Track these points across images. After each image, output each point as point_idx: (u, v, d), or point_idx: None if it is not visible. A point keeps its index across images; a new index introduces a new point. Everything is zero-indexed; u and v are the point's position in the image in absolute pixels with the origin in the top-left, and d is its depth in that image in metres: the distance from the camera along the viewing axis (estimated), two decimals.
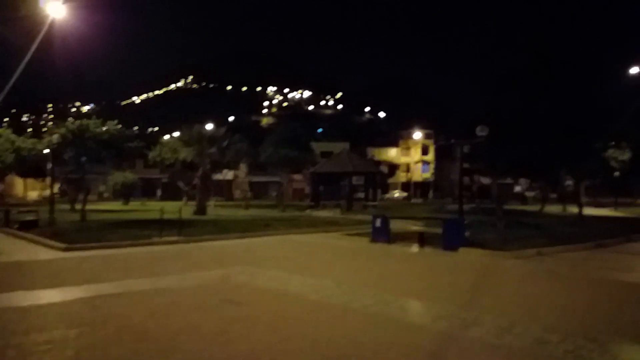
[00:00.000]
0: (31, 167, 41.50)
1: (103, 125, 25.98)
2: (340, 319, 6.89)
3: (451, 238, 15.12)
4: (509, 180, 55.80)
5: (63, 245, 14.93)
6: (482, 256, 13.79)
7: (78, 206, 28.76)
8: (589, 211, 26.68)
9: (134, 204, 47.38)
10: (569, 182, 50.20)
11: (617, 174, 40.70)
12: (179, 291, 8.72)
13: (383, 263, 12.73)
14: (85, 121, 26.04)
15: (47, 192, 38.89)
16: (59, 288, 8.99)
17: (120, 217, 28.47)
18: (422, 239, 16.64)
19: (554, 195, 48.63)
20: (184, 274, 10.48)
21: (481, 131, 18.06)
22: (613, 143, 32.17)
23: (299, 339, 5.99)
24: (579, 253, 14.69)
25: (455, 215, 23.14)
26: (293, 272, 10.81)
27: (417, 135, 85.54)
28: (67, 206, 33.78)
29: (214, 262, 12.41)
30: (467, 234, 15.67)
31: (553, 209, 39.63)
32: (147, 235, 17.38)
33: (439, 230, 16.36)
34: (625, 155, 35.33)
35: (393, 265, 12.40)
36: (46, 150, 30.24)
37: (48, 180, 36.13)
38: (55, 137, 24.71)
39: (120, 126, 27.94)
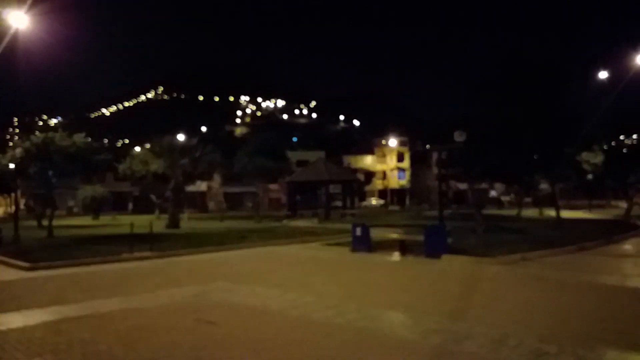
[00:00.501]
0: None
1: (69, 137, 24.94)
2: (325, 337, 6.41)
3: (433, 245, 14.80)
4: (484, 185, 56.33)
5: (27, 265, 14.07)
6: (466, 263, 13.49)
7: (45, 222, 27.64)
8: (564, 214, 26.82)
9: (104, 219, 46.00)
10: (544, 186, 51.00)
11: (589, 177, 41.43)
12: (150, 311, 8.11)
13: (365, 273, 12.30)
14: (50, 134, 25.00)
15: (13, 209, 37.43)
16: (21, 311, 8.29)
17: (90, 232, 27.48)
18: (404, 247, 16.31)
19: (528, 199, 49.11)
20: (155, 292, 9.85)
21: (459, 137, 17.90)
22: (586, 147, 32.77)
23: None
24: (562, 257, 14.52)
25: (434, 222, 22.93)
26: (272, 286, 10.29)
27: (393, 142, 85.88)
28: (34, 223, 32.50)
29: (188, 278, 11.79)
30: (449, 240, 15.39)
31: (529, 212, 39.93)
32: (117, 252, 16.59)
33: (420, 238, 16.05)
34: (597, 159, 35.96)
35: (376, 276, 11.98)
36: (12, 165, 29.06)
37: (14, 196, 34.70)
38: (18, 152, 23.66)
39: (88, 139, 26.97)
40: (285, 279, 11.56)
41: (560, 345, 5.83)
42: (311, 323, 7.13)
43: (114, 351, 5.91)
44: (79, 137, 26.01)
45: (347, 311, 7.79)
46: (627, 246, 17.38)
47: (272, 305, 8.35)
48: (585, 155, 35.61)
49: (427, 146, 29.40)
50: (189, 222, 38.15)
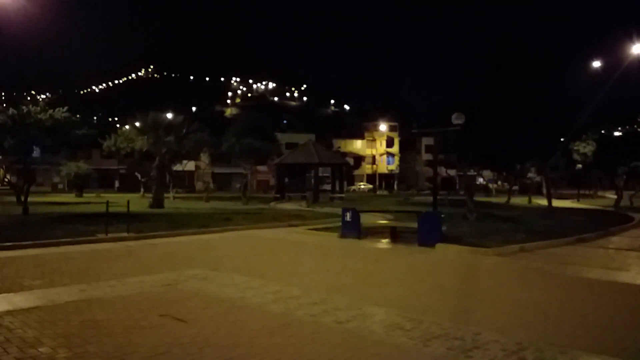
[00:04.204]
0: None
1: (46, 111, 23.66)
2: (310, 342, 5.50)
3: (427, 233, 13.96)
4: (471, 172, 55.98)
5: None
6: (462, 253, 12.66)
7: (31, 198, 26.42)
8: (553, 203, 26.20)
9: (88, 196, 44.77)
10: (532, 175, 50.61)
11: (579, 166, 41.04)
12: (112, 304, 7.14)
13: (355, 262, 11.41)
14: (26, 107, 23.71)
15: None
16: None
17: (69, 210, 26.39)
18: (395, 234, 15.51)
19: (515, 187, 48.72)
20: (123, 280, 8.88)
21: (457, 119, 16.94)
22: (577, 136, 32.27)
23: None
24: (561, 248, 13.75)
25: (423, 208, 22.17)
26: (253, 275, 9.36)
27: (382, 127, 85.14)
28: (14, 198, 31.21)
29: (163, 264, 10.82)
30: (443, 228, 14.56)
31: (518, 200, 39.46)
32: (92, 232, 15.60)
33: (411, 224, 15.26)
34: (587, 149, 35.50)
35: (367, 265, 11.10)
36: None
37: None
38: None
39: (67, 113, 25.66)
40: (269, 266, 10.64)
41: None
42: (295, 322, 6.22)
43: (57, 356, 4.95)
44: (60, 111, 24.77)
45: (335, 308, 6.88)
46: (627, 238, 16.68)
47: (251, 299, 7.42)
48: (577, 145, 35.23)
49: (414, 129, 28.47)
50: (174, 202, 37.12)
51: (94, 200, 35.45)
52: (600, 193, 53.36)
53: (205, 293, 7.86)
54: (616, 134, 54.82)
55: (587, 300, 7.73)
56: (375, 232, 16.41)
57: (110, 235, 15.01)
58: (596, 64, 39.56)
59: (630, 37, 36.69)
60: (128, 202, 16.74)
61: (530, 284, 9.05)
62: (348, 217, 15.87)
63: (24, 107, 23.86)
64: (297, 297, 7.56)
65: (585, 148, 35.72)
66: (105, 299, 7.43)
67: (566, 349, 5.27)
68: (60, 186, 64.54)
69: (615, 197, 35.39)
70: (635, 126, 61.33)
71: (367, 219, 17.22)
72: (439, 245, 13.46)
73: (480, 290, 8.53)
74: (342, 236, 15.71)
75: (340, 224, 16.34)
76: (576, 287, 8.82)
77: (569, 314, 6.82)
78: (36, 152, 28.99)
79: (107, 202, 15.65)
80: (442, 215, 15.25)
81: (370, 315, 6.60)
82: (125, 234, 15.36)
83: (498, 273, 10.29)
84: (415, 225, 14.60)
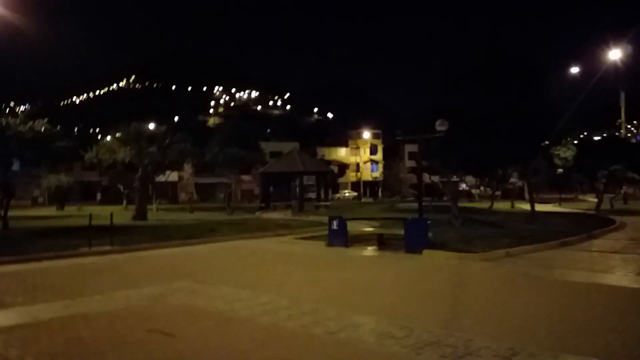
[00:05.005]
0: None
1: (25, 123, 23.29)
2: (302, 353, 5.44)
3: (414, 240, 13.98)
4: (454, 178, 56.52)
5: None
6: (449, 259, 12.70)
7: (11, 212, 25.90)
8: (536, 207, 26.48)
9: (69, 209, 44.08)
10: (514, 180, 51.23)
11: (560, 170, 41.63)
12: (97, 319, 6.99)
13: (344, 271, 11.36)
14: (4, 119, 23.33)
15: None
16: None
17: (50, 224, 25.94)
18: (382, 241, 15.50)
19: (498, 193, 49.22)
20: (109, 294, 8.72)
21: (441, 125, 17.06)
22: (557, 141, 32.76)
23: None
24: (546, 252, 13.87)
25: (407, 214, 22.23)
26: (241, 286, 9.26)
27: (366, 134, 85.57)
28: None
29: (149, 277, 10.65)
30: (430, 234, 14.60)
31: (500, 205, 39.84)
32: (75, 245, 15.32)
33: (397, 231, 15.31)
34: (568, 153, 36.03)
35: (355, 274, 11.06)
36: None
37: None
38: None
39: (47, 125, 25.30)
40: (257, 277, 10.54)
41: None
42: (285, 334, 6.14)
43: None
44: (40, 123, 24.42)
45: (326, 318, 6.82)
46: (609, 241, 16.88)
47: (240, 311, 7.33)
48: (558, 149, 35.74)
49: (398, 137, 28.60)
50: (157, 213, 36.73)
51: (76, 214, 34.93)
52: (581, 196, 54.10)
53: (193, 306, 7.74)
54: (596, 138, 55.85)
55: (575, 304, 7.78)
56: (362, 240, 16.38)
57: (93, 248, 14.77)
58: (574, 69, 40.35)
59: (606, 44, 37.41)
60: (111, 214, 16.49)
61: (519, 288, 9.10)
62: (335, 225, 15.83)
63: (3, 120, 23.48)
64: (286, 308, 7.48)
65: (565, 152, 36.25)
66: (91, 314, 7.28)
67: (558, 352, 5.28)
68: (40, 200, 63.51)
69: (596, 200, 35.90)
70: (614, 130, 62.51)
71: (353, 227, 17.20)
72: (425, 252, 13.49)
73: (470, 296, 8.54)
74: (330, 245, 15.66)
75: (326, 232, 16.29)
76: (563, 290, 8.88)
77: (558, 318, 6.85)
78: (16, 165, 28.53)
79: (90, 215, 15.40)
80: (428, 222, 15.29)
81: (361, 324, 6.55)
82: (109, 247, 15.12)
83: (486, 278, 10.33)
84: (401, 232, 14.61)
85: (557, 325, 6.49)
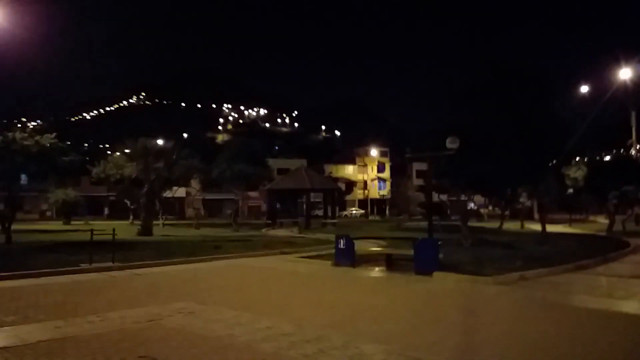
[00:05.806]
0: None
1: (32, 137, 23.19)
2: None
3: (424, 261, 13.48)
4: (463, 197, 56.02)
5: None
6: (461, 282, 12.18)
7: (18, 226, 25.74)
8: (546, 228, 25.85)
9: (76, 224, 43.91)
10: (523, 200, 50.53)
11: (570, 191, 40.96)
12: (88, 342, 6.57)
13: (351, 294, 10.88)
14: (11, 134, 23.24)
15: None
16: None
17: (54, 238, 25.69)
18: (390, 262, 15.01)
19: (507, 212, 48.51)
20: (104, 314, 8.30)
21: (451, 143, 16.65)
22: (568, 160, 32.22)
23: None
24: (562, 276, 13.29)
25: (416, 234, 21.73)
26: (243, 308, 8.81)
27: (374, 152, 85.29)
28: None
29: (147, 296, 10.24)
30: (440, 255, 14.09)
31: (510, 225, 39.12)
32: (75, 261, 14.95)
33: (406, 251, 14.76)
34: (578, 173, 35.41)
35: (363, 297, 10.57)
36: None
37: None
38: None
39: (55, 140, 25.18)
40: (260, 299, 10.10)
41: None
42: None
43: None
44: (47, 138, 24.33)
45: (331, 347, 6.36)
46: (627, 265, 16.26)
47: (240, 336, 6.87)
48: (567, 169, 35.16)
49: (407, 154, 28.20)
50: (163, 229, 36.40)
51: (82, 228, 34.57)
52: (591, 217, 53.23)
53: (191, 329, 7.31)
54: (607, 158, 55.12)
55: (598, 334, 7.26)
56: (370, 260, 15.90)
57: (94, 265, 14.40)
58: (584, 88, 39.93)
59: (617, 62, 37.02)
60: (114, 230, 16.14)
61: (536, 316, 8.58)
62: (342, 244, 15.39)
63: (9, 134, 23.40)
64: (289, 334, 7.02)
65: (576, 172, 35.65)
66: (82, 337, 6.86)
67: None
68: (48, 213, 63.64)
69: (607, 221, 35.14)
70: (622, 150, 61.73)
71: (361, 246, 16.69)
72: (436, 274, 12.99)
73: (485, 324, 8.04)
74: (336, 264, 15.19)
75: (333, 251, 15.84)
76: (584, 319, 8.35)
77: (581, 350, 6.35)
78: (24, 180, 28.45)
79: (92, 231, 15.07)
80: (439, 242, 14.80)
81: (370, 354, 6.07)
82: (110, 264, 14.74)
83: (501, 304, 9.81)
84: (410, 252, 14.12)
85: (580, 358, 5.98)
